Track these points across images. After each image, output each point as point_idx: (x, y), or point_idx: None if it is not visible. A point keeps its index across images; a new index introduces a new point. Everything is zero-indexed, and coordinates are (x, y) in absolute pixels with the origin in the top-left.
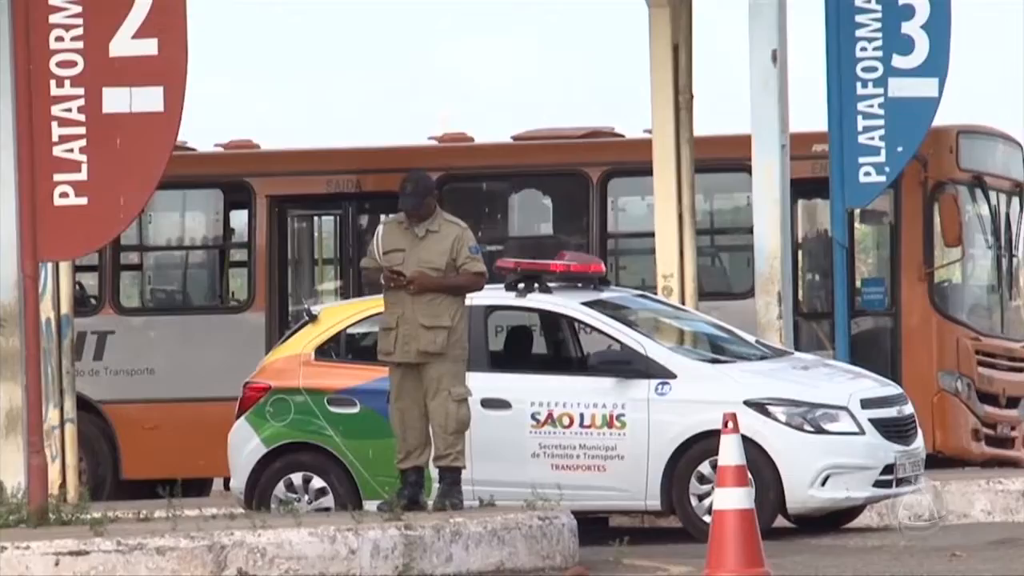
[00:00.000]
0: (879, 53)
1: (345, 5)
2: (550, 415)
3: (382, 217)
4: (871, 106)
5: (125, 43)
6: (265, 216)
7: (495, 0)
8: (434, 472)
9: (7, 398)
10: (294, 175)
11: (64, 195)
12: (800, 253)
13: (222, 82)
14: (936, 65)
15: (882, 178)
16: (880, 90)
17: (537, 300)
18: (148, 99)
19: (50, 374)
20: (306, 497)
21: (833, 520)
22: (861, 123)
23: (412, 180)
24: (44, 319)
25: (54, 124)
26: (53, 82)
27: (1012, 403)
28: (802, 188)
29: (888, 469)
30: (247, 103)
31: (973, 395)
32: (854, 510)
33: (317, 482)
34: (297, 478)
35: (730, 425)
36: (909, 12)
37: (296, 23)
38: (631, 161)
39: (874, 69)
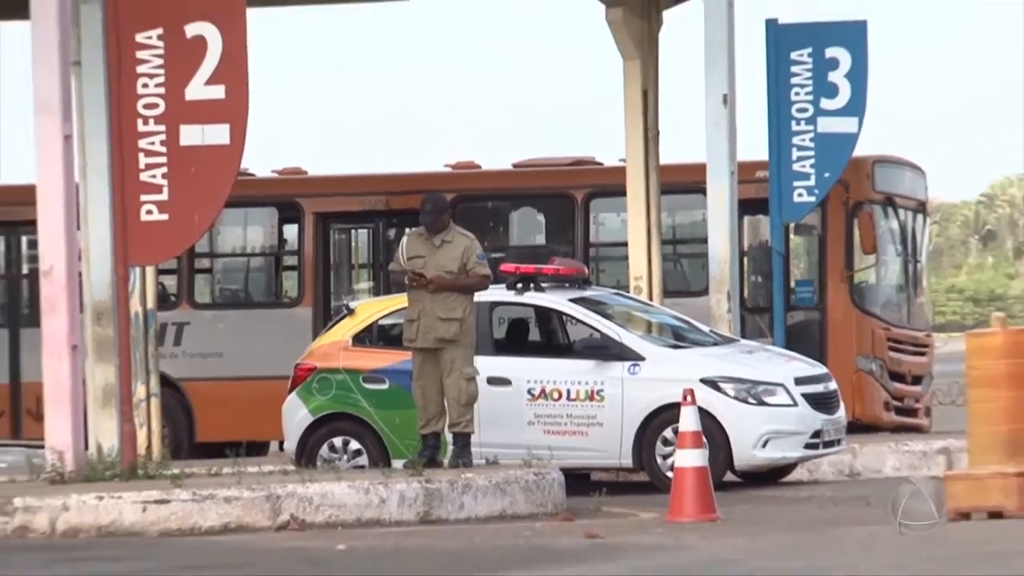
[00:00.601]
0: (810, 97)
1: (348, 33)
2: (543, 390)
3: (406, 230)
4: (803, 140)
5: (198, 89)
6: (312, 229)
7: (496, 20)
8: (449, 437)
9: (103, 377)
10: (335, 195)
11: (149, 212)
12: (746, 259)
13: (276, 117)
14: (856, 107)
15: (812, 198)
16: (811, 127)
17: (532, 297)
18: (217, 134)
19: (138, 357)
20: (345, 457)
21: (772, 475)
22: (795, 154)
23: (431, 200)
24: (133, 313)
25: (141, 155)
26: (140, 121)
27: (916, 380)
28: (747, 206)
29: (816, 434)
30: (293, 132)
31: (885, 374)
32: (788, 467)
33: (354, 445)
34: (338, 441)
35: (689, 399)
36: (835, 64)
37: (322, 63)
38: (609, 184)
39: (806, 110)
